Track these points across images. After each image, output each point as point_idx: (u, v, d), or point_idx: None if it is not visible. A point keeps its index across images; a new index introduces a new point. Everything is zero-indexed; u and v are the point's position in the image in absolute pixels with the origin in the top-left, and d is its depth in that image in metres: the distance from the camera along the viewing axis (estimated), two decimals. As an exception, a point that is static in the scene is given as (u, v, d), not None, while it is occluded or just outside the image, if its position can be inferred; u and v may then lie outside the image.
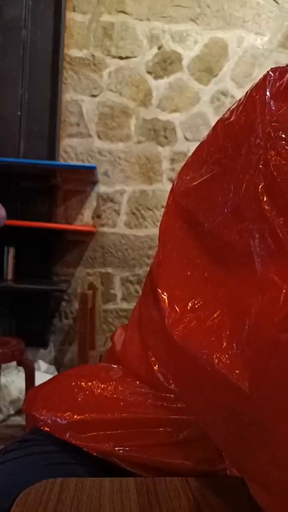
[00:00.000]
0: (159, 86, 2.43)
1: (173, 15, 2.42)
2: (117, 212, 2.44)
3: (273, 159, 0.35)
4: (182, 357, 0.39)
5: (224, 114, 0.45)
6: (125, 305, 2.44)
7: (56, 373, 2.28)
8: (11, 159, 2.22)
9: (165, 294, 0.43)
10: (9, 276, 2.23)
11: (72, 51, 2.40)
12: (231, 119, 0.42)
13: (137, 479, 0.43)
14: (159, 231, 0.52)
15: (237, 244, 0.36)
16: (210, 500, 0.40)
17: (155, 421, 0.47)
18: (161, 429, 0.46)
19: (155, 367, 0.48)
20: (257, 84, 0.40)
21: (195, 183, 0.45)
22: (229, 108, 0.44)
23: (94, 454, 0.47)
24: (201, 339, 0.36)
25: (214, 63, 2.45)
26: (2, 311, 2.36)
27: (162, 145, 2.44)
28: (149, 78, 2.43)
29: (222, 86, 2.46)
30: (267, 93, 0.38)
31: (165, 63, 2.43)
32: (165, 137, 2.44)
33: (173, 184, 0.52)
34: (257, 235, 0.34)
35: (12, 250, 2.25)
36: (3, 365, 1.99)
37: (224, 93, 2.46)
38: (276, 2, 2.46)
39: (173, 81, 2.44)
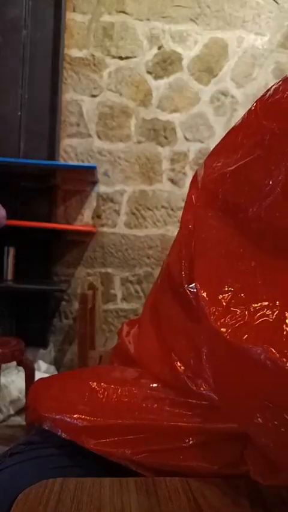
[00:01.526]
0: (159, 86, 2.43)
1: (173, 15, 2.42)
2: (117, 212, 2.44)
3: None
4: (229, 352, 0.35)
5: (263, 95, 0.42)
6: (125, 305, 2.44)
7: (56, 373, 2.28)
8: (11, 159, 2.22)
9: (203, 288, 0.39)
10: (9, 276, 2.23)
11: (72, 51, 2.40)
12: (275, 97, 0.39)
13: (137, 480, 0.43)
14: (182, 225, 0.48)
15: None
16: (211, 500, 0.40)
17: (172, 428, 0.45)
18: (178, 435, 0.45)
19: (180, 370, 0.45)
20: None
21: (231, 168, 0.42)
22: (269, 89, 0.41)
23: (110, 459, 0.45)
24: (257, 334, 0.33)
25: (214, 63, 2.45)
26: (2, 311, 2.35)
27: (162, 146, 2.44)
28: (149, 78, 2.43)
29: (222, 86, 2.46)
30: None
31: (165, 63, 2.43)
32: (165, 137, 2.44)
33: (196, 176, 0.49)
34: None
35: (12, 250, 2.24)
36: (3, 365, 1.99)
37: (224, 93, 2.46)
38: (276, 2, 2.46)
39: (173, 81, 2.44)
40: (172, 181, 2.44)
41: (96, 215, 2.43)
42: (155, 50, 2.42)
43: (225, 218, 0.41)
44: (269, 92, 0.41)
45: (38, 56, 2.34)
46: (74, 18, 2.39)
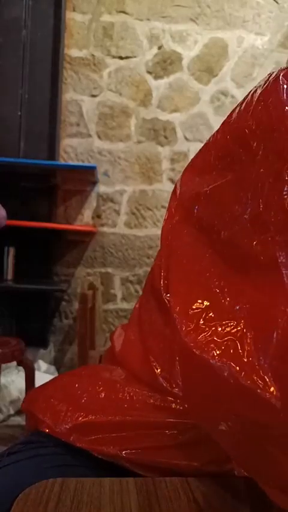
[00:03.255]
0: (159, 86, 2.43)
1: (173, 15, 2.42)
2: (117, 212, 2.44)
3: None
4: (196, 366, 0.38)
5: (228, 117, 0.43)
6: (125, 305, 2.44)
7: (56, 373, 2.28)
8: (11, 159, 2.22)
9: (176, 301, 0.42)
10: (9, 276, 2.23)
11: (72, 51, 2.40)
12: (240, 123, 0.40)
13: (137, 480, 0.43)
14: (162, 235, 0.50)
15: (260, 255, 0.35)
16: (211, 500, 0.40)
17: (160, 423, 0.46)
18: (166, 431, 0.46)
19: (156, 371, 0.47)
20: (266, 88, 0.39)
21: (206, 188, 0.43)
22: (234, 110, 0.43)
23: (99, 456, 0.47)
24: (220, 350, 0.35)
25: (214, 63, 2.45)
26: (2, 311, 2.35)
27: (162, 145, 2.44)
28: (149, 78, 2.43)
29: (222, 86, 2.46)
30: (284, 99, 0.37)
31: (165, 63, 2.43)
32: (165, 137, 2.44)
33: (176, 188, 0.50)
34: (284, 247, 0.33)
35: (12, 250, 2.24)
36: (3, 365, 1.99)
37: (224, 93, 2.46)
38: (276, 2, 2.46)
39: (173, 81, 2.44)
40: (172, 181, 2.44)
41: (96, 215, 2.43)
42: (155, 50, 2.42)
43: (199, 236, 0.43)
44: (234, 115, 0.42)
45: (38, 55, 2.34)
46: (74, 18, 2.39)
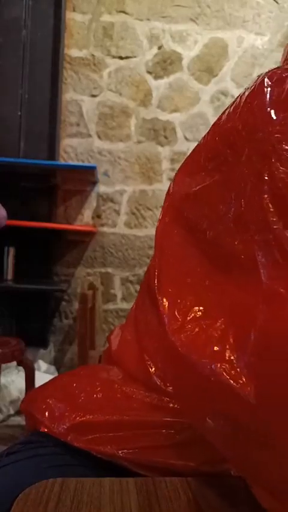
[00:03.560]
0: (159, 86, 2.43)
1: (173, 15, 2.42)
2: (117, 212, 2.44)
3: (279, 171, 0.35)
4: (182, 365, 0.39)
5: (218, 119, 0.44)
6: (125, 305, 2.44)
7: (56, 373, 2.28)
8: (11, 159, 2.22)
9: (165, 301, 0.43)
10: (9, 276, 2.23)
11: (72, 51, 2.40)
12: (228, 125, 0.41)
13: (137, 480, 0.43)
14: (156, 235, 0.51)
15: (241, 254, 0.36)
16: (210, 500, 0.40)
17: (157, 423, 0.47)
18: (163, 431, 0.46)
19: (151, 370, 0.48)
20: (253, 90, 0.40)
21: (195, 189, 0.44)
22: (223, 112, 0.43)
23: (97, 455, 0.47)
24: (203, 348, 0.36)
25: (214, 63, 2.45)
26: (2, 311, 2.35)
27: (162, 145, 2.44)
28: (149, 78, 2.43)
29: (222, 86, 2.46)
30: (267, 101, 0.37)
31: (165, 63, 2.43)
32: (165, 137, 2.44)
33: (169, 189, 0.51)
34: (262, 247, 0.34)
35: (12, 250, 2.25)
36: (3, 365, 1.99)
37: (224, 93, 2.46)
38: (276, 2, 2.46)
39: (173, 81, 2.44)
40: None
41: (96, 215, 2.44)
42: (155, 50, 2.42)
43: (188, 236, 0.44)
44: (223, 117, 0.43)
45: (38, 55, 2.34)
46: (74, 18, 2.39)
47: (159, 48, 2.42)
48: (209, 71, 2.45)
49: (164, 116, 2.44)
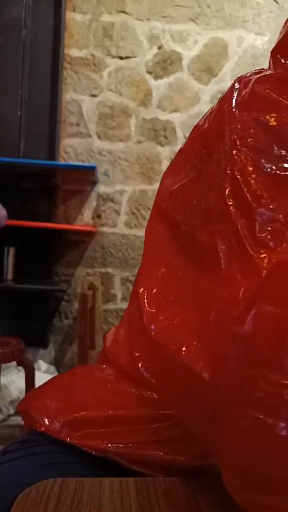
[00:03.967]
0: (159, 86, 2.43)
1: (173, 15, 2.42)
2: (117, 212, 2.44)
3: (238, 164, 0.37)
4: (157, 352, 0.42)
5: (199, 121, 0.47)
6: (125, 305, 2.44)
7: (56, 373, 2.28)
8: (11, 159, 2.22)
9: (143, 292, 0.46)
10: (9, 276, 2.23)
11: (72, 51, 2.40)
12: (205, 127, 0.45)
13: (137, 479, 0.43)
14: (145, 232, 0.55)
15: (209, 245, 0.38)
16: (211, 500, 0.40)
17: (148, 417, 0.47)
18: (154, 426, 0.47)
19: (140, 364, 0.49)
20: (225, 93, 0.43)
21: (175, 187, 0.47)
22: (203, 116, 0.47)
23: (89, 451, 0.48)
24: (172, 335, 0.39)
25: (214, 63, 2.45)
26: (2, 311, 2.36)
27: (162, 145, 2.44)
28: (149, 78, 2.43)
29: (222, 86, 2.45)
30: (233, 102, 0.41)
31: (165, 63, 2.43)
32: (165, 137, 2.44)
33: (157, 189, 0.55)
34: (223, 236, 0.37)
35: (12, 250, 2.25)
36: (3, 365, 1.99)
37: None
38: (276, 2, 2.46)
39: (173, 81, 2.44)
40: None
41: (96, 215, 2.44)
42: (155, 50, 2.42)
43: (168, 231, 0.47)
44: (202, 120, 0.47)
45: (38, 55, 2.34)
46: (74, 18, 2.39)
47: (159, 48, 2.42)
48: (209, 71, 2.45)
49: (164, 116, 2.44)
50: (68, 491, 0.40)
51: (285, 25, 0.49)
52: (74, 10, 2.39)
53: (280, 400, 0.30)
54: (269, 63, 0.50)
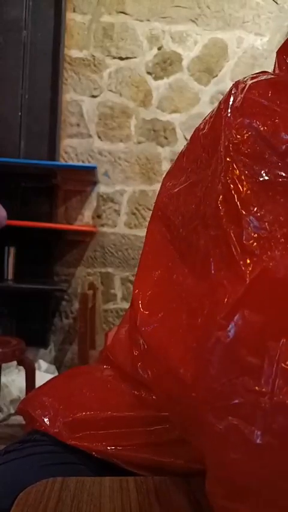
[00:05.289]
0: (159, 87, 2.44)
1: (173, 16, 2.42)
2: (118, 212, 2.44)
3: (229, 171, 0.38)
4: (148, 354, 0.42)
5: (199, 125, 0.47)
6: (125, 305, 2.45)
7: (56, 373, 2.28)
8: (11, 159, 2.22)
9: (138, 293, 0.46)
10: (10, 276, 2.23)
11: (73, 51, 2.40)
12: (205, 130, 0.45)
13: (137, 479, 0.43)
14: (145, 234, 0.55)
15: (202, 249, 0.39)
16: (210, 499, 0.41)
17: (146, 420, 0.47)
18: (153, 428, 0.47)
19: (138, 364, 0.49)
20: (224, 97, 0.44)
21: (175, 190, 0.47)
22: (204, 119, 0.47)
23: (87, 452, 0.48)
24: (161, 338, 0.39)
25: (214, 64, 2.46)
26: (3, 311, 2.36)
27: (162, 146, 2.44)
28: (149, 78, 2.43)
29: (222, 87, 2.46)
30: (229, 108, 0.41)
31: (165, 64, 2.43)
32: (165, 138, 2.45)
33: (158, 191, 0.55)
34: (214, 241, 0.37)
35: (12, 250, 2.25)
36: (4, 364, 1.99)
37: (224, 94, 2.46)
38: (276, 3, 2.46)
39: (173, 81, 2.44)
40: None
41: (97, 215, 2.44)
42: (155, 51, 2.42)
43: (167, 233, 0.48)
44: (203, 123, 0.47)
45: (38, 56, 2.34)
46: (74, 19, 2.40)
47: (159, 48, 2.42)
48: (209, 72, 2.45)
49: (164, 117, 2.44)
50: (68, 490, 0.40)
51: None
52: (74, 11, 2.39)
53: (256, 408, 0.29)
54: (275, 63, 0.50)
